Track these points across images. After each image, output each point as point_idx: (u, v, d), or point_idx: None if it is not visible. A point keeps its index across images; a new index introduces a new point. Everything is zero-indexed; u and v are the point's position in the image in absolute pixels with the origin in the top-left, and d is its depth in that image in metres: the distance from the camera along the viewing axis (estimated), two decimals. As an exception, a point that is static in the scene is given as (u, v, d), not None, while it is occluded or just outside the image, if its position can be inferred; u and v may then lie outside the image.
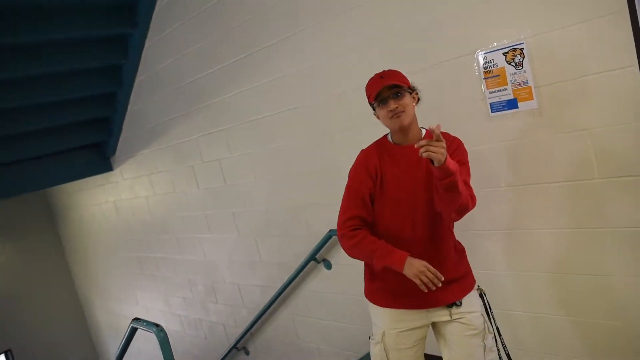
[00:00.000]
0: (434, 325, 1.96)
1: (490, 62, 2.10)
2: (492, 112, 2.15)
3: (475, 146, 2.24)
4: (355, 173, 1.92)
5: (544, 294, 2.22)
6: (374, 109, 1.87)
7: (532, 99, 2.02)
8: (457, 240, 1.99)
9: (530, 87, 2.01)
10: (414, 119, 1.85)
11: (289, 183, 3.29)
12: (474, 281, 1.97)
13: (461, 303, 1.88)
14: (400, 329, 1.91)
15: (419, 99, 1.89)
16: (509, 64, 2.05)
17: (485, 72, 2.13)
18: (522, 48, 1.99)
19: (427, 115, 2.38)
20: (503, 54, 2.05)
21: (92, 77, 4.25)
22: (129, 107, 4.60)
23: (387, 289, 1.92)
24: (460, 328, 1.88)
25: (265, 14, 3.00)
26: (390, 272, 1.80)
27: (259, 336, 4.05)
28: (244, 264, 3.92)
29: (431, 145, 1.56)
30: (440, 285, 1.70)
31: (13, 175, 4.80)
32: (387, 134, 1.95)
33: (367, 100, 1.86)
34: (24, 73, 3.74)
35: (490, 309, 1.96)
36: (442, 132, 1.73)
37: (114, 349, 6.90)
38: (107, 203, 5.66)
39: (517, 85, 2.05)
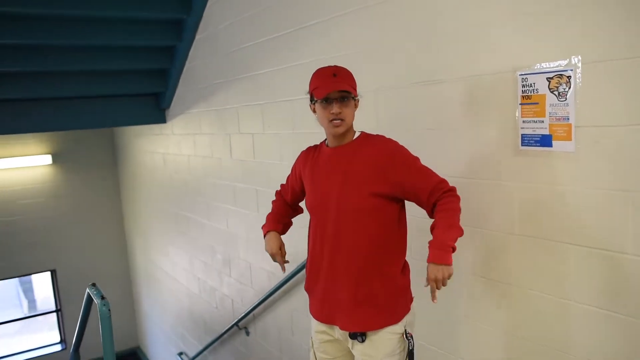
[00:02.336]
0: None
1: (531, 85, 1.73)
2: (522, 144, 1.79)
3: (495, 180, 1.90)
4: (291, 170, 2.05)
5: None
6: (311, 101, 1.81)
7: (570, 139, 1.65)
8: (403, 273, 1.81)
9: (571, 125, 1.64)
10: (350, 126, 1.81)
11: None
12: (395, 320, 1.74)
13: (363, 340, 1.74)
14: (322, 339, 1.90)
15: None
16: (552, 92, 1.68)
17: (522, 97, 1.77)
18: (570, 76, 1.62)
19: (448, 135, 2.07)
20: (547, 78, 1.68)
21: (155, 27, 4.25)
22: (187, 63, 4.54)
23: (312, 296, 1.92)
24: None
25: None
26: (310, 280, 1.90)
27: (260, 321, 3.92)
28: (259, 244, 3.77)
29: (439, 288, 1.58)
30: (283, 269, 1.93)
31: (77, 109, 4.95)
32: None
33: (308, 88, 1.81)
34: (94, 14, 3.81)
35: (412, 358, 1.75)
36: (371, 135, 1.82)
37: (146, 291, 7.13)
38: (158, 154, 5.73)
39: (556, 119, 1.68)
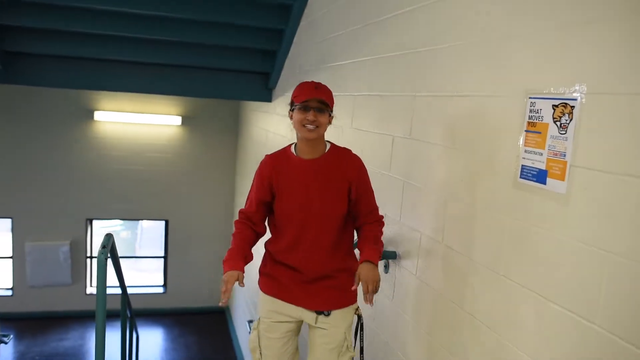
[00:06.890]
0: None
1: (538, 112, 1.52)
2: (520, 177, 1.59)
3: (492, 214, 1.71)
4: (257, 179, 2.06)
5: None
6: (291, 109, 1.96)
7: (564, 179, 1.42)
8: (354, 262, 2.05)
9: (566, 163, 1.41)
10: (322, 137, 1.98)
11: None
12: (353, 301, 2.06)
13: (329, 314, 2.02)
14: (273, 319, 2.07)
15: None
16: (555, 122, 1.45)
17: (528, 124, 1.56)
18: (574, 106, 1.39)
19: (449, 152, 1.91)
20: (553, 106, 1.46)
21: (268, 10, 4.45)
22: (292, 47, 4.68)
23: (274, 279, 2.07)
24: (320, 336, 2.04)
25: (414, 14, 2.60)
26: (279, 265, 2.06)
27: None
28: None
29: (371, 294, 1.82)
30: (222, 302, 1.80)
31: (200, 79, 5.43)
32: (292, 144, 2.04)
33: (290, 99, 1.97)
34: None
35: (362, 330, 2.10)
36: (340, 148, 2.03)
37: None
38: (263, 130, 6.01)
39: (554, 154, 1.45)
